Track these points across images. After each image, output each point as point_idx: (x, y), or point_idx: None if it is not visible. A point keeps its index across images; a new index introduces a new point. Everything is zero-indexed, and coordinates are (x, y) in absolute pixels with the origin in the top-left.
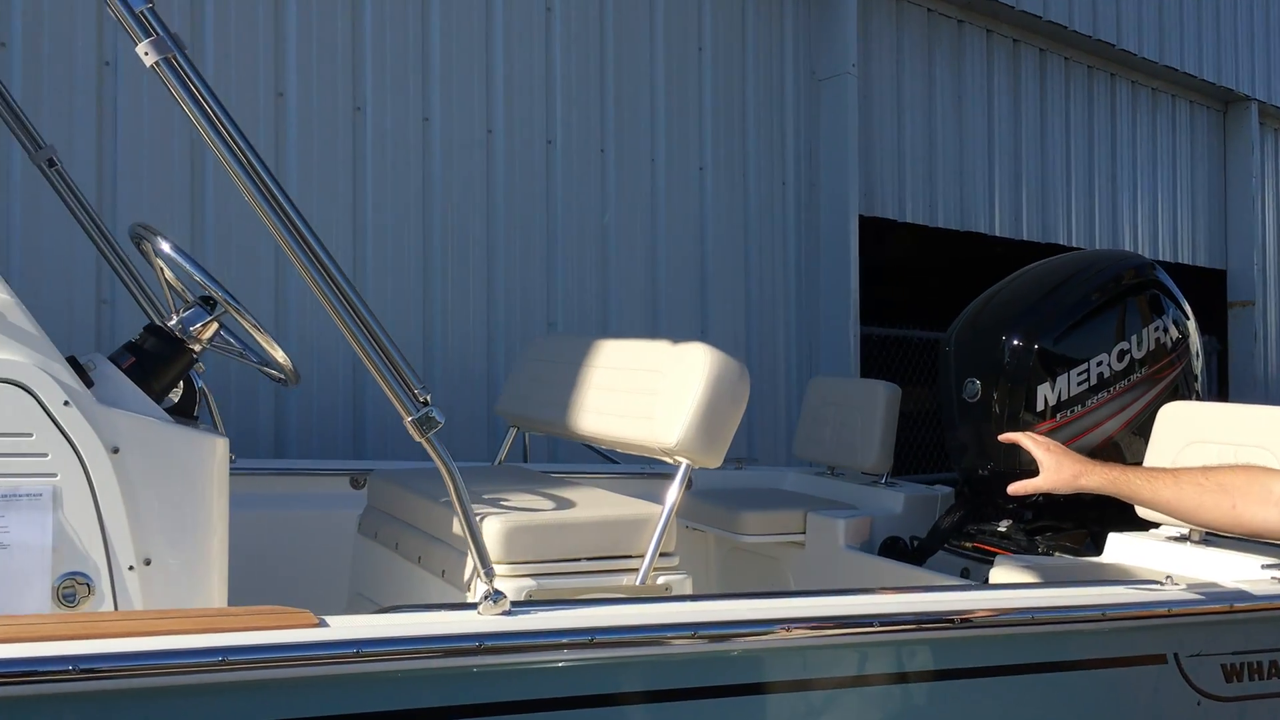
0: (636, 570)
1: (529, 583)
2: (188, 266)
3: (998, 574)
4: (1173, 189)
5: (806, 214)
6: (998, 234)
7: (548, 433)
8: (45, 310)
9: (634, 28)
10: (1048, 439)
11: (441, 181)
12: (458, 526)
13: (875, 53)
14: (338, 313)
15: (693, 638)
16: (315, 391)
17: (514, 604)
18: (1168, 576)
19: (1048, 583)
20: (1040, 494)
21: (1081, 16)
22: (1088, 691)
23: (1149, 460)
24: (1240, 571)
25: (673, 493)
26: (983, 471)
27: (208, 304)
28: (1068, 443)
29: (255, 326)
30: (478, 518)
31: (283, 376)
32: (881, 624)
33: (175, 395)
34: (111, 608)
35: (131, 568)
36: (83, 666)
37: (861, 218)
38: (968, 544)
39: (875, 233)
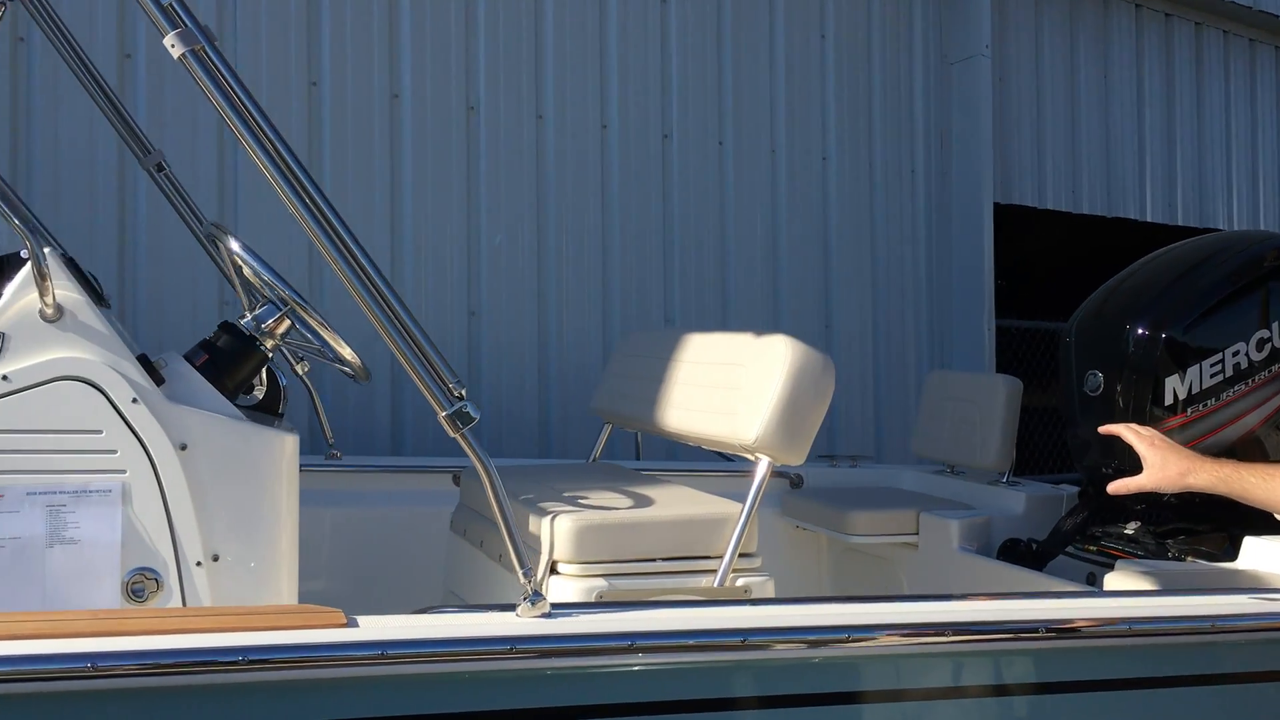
0: (716, 571)
1: (600, 583)
2: (255, 265)
3: (1114, 580)
4: None
5: (937, 203)
6: (1149, 219)
7: (638, 429)
8: (170, 313)
9: (752, 17)
10: (1153, 432)
11: (555, 179)
12: (535, 524)
13: (1012, 33)
14: (368, 304)
15: (742, 645)
16: None
17: (555, 606)
18: None
19: (1160, 590)
20: (1144, 494)
21: None
22: (1204, 710)
23: None
24: None
25: (753, 491)
26: (1106, 470)
27: (281, 302)
28: (1200, 439)
29: (322, 324)
30: (550, 516)
31: (353, 373)
32: (966, 632)
33: (259, 393)
34: (179, 603)
35: (199, 564)
36: (101, 665)
37: (998, 205)
38: (1092, 547)
39: (1013, 221)
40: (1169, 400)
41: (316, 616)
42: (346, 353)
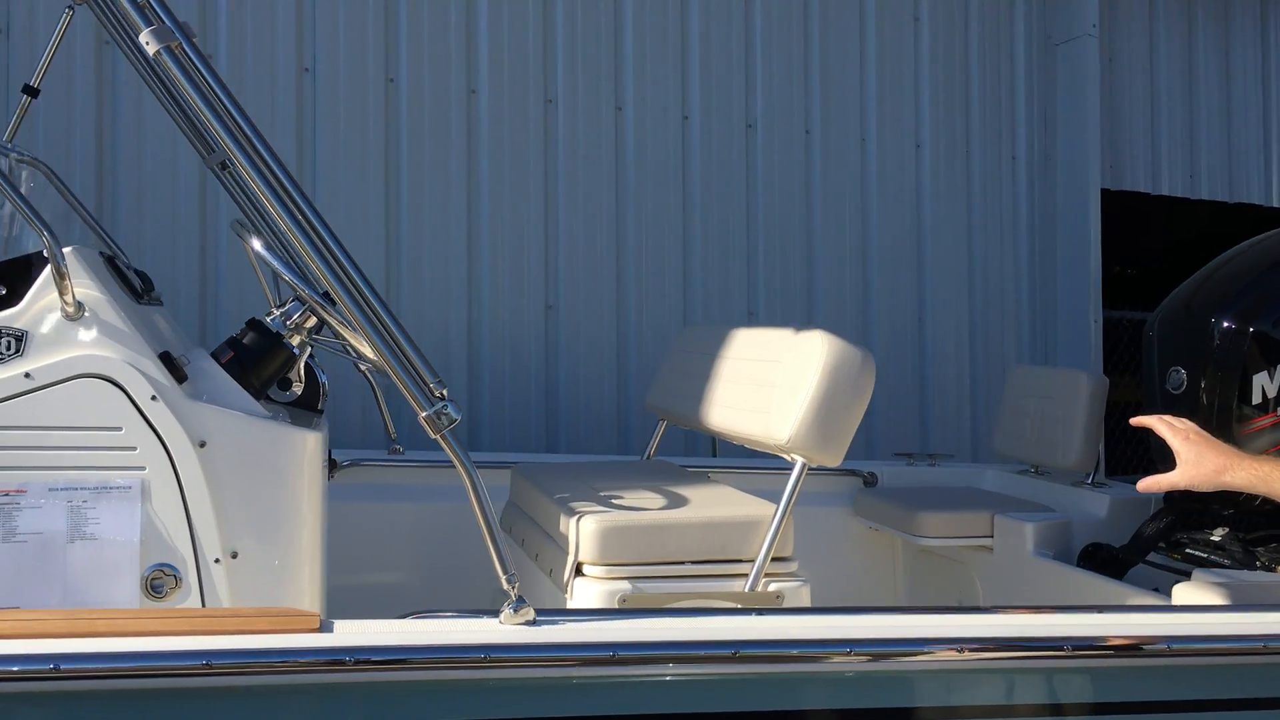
0: (749, 576)
1: (624, 586)
2: (274, 263)
3: (1187, 592)
4: None
5: (1040, 190)
6: (1276, 204)
7: (688, 426)
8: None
9: (841, 1)
10: (1190, 425)
11: (634, 172)
12: (564, 524)
13: (1121, 11)
14: (342, 298)
15: (732, 658)
16: (507, 383)
17: (541, 613)
18: None
19: (1232, 606)
20: (1176, 491)
21: None
22: None
23: None
24: None
25: (786, 492)
26: None
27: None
28: None
29: (341, 323)
30: (577, 516)
31: (378, 371)
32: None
33: (298, 389)
34: (198, 600)
35: (218, 560)
36: (65, 667)
37: (1106, 192)
38: (1176, 555)
39: (1123, 208)
40: (1257, 399)
41: (288, 620)
42: (368, 350)
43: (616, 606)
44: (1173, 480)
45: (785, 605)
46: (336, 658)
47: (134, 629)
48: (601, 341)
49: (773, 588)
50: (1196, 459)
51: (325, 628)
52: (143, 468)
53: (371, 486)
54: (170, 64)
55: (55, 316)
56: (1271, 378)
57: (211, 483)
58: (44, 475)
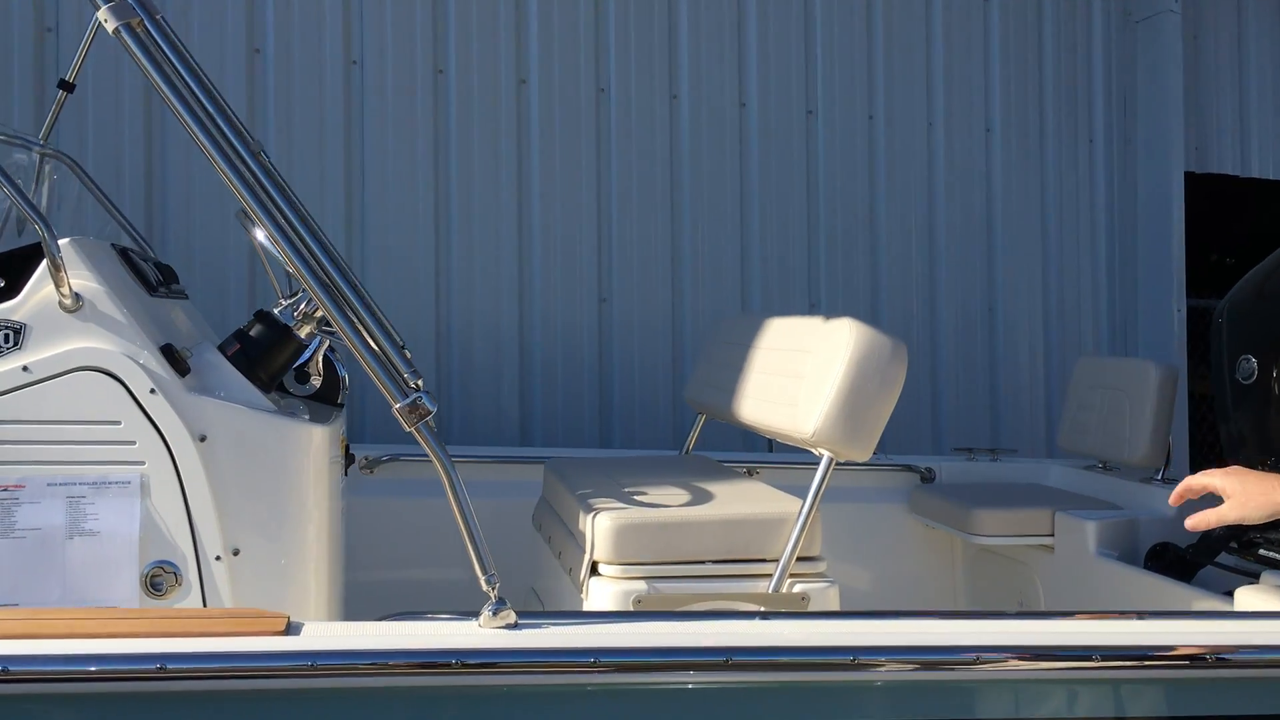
0: (772, 576)
1: (639, 586)
2: (277, 255)
3: (1250, 597)
4: None
5: (1120, 174)
6: None
7: (723, 419)
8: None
9: None
10: (1230, 469)
11: (690, 161)
12: (582, 521)
13: None
14: (310, 283)
15: (726, 665)
16: (560, 378)
17: (522, 616)
18: None
19: None
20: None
21: None
22: None
23: None
24: None
25: (813, 489)
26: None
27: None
28: None
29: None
30: (594, 513)
31: None
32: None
33: (316, 382)
34: (199, 598)
35: (219, 558)
36: (13, 669)
37: (1191, 175)
38: (1249, 555)
39: (1209, 191)
40: None
41: (253, 622)
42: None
43: (631, 608)
44: (1222, 514)
45: (811, 607)
46: (300, 662)
47: (84, 630)
48: (656, 336)
49: (798, 589)
50: (1242, 488)
51: (293, 630)
52: (142, 462)
53: (408, 482)
54: (130, 42)
55: (53, 309)
56: None
57: (212, 478)
58: (43, 470)
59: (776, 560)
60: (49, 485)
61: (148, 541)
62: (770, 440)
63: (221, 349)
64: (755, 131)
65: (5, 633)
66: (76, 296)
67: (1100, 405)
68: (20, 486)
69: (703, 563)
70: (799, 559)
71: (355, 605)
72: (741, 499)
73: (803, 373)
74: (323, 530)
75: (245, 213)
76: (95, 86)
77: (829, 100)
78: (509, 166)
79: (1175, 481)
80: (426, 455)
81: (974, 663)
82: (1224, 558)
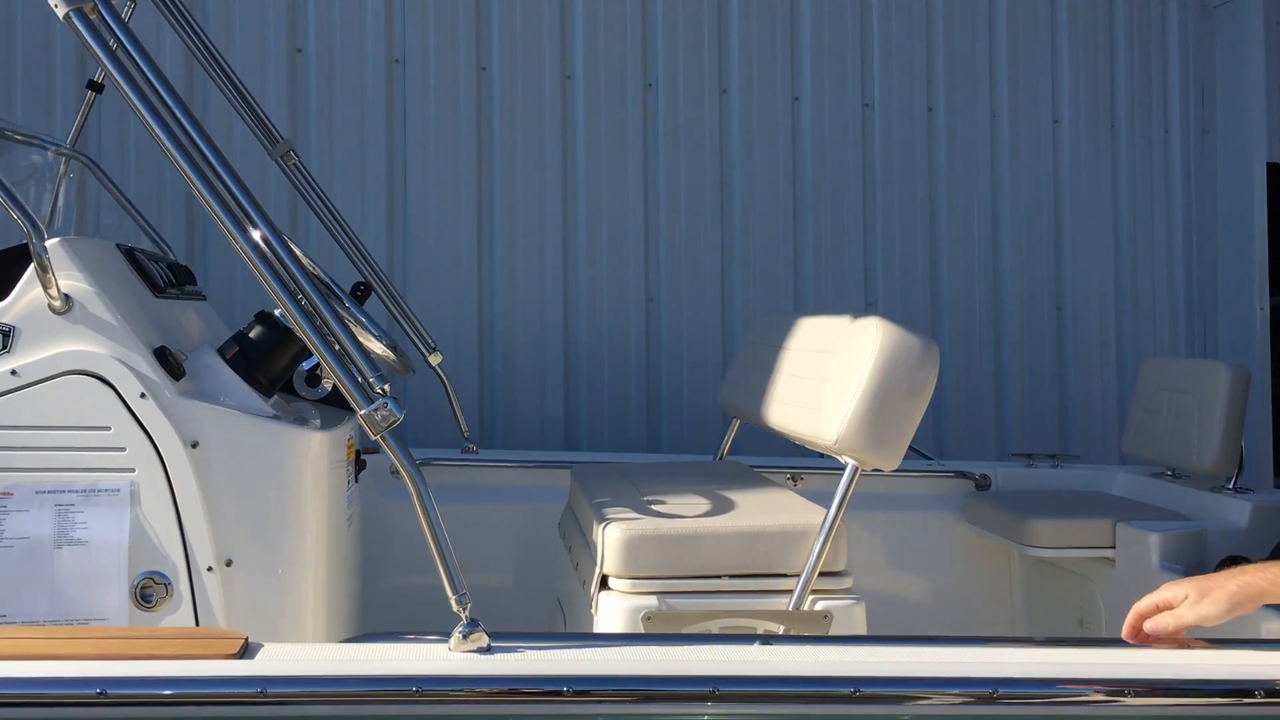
0: (793, 592)
1: (650, 602)
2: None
3: None
4: None
5: (1197, 166)
6: None
7: (753, 424)
8: None
9: None
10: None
11: (740, 156)
12: (595, 532)
13: None
14: (270, 283)
15: (711, 695)
16: (606, 381)
17: (496, 638)
18: None
19: None
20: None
21: None
22: None
23: None
24: None
25: (836, 499)
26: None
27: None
28: None
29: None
30: (605, 524)
31: (398, 368)
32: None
33: (328, 384)
34: (190, 610)
35: (210, 569)
36: None
37: (1274, 166)
38: None
39: None
40: None
41: (205, 645)
42: (376, 348)
43: (640, 625)
44: (1179, 616)
45: (835, 625)
46: (251, 689)
47: (14, 651)
48: (706, 336)
49: (820, 606)
50: (1197, 588)
51: (249, 653)
52: (132, 469)
53: (443, 487)
54: (81, 29)
55: (43, 311)
56: None
57: (204, 486)
58: (32, 477)
59: (798, 575)
60: (37, 493)
61: (137, 552)
62: None
63: (220, 352)
64: (809, 126)
65: None
66: (66, 298)
67: (1167, 409)
68: (8, 494)
69: (719, 577)
70: (822, 574)
71: (385, 613)
72: (765, 509)
73: (827, 375)
74: (321, 539)
75: None
76: None
77: (885, 92)
78: (554, 164)
79: (1248, 491)
80: (460, 460)
81: (992, 697)
82: None
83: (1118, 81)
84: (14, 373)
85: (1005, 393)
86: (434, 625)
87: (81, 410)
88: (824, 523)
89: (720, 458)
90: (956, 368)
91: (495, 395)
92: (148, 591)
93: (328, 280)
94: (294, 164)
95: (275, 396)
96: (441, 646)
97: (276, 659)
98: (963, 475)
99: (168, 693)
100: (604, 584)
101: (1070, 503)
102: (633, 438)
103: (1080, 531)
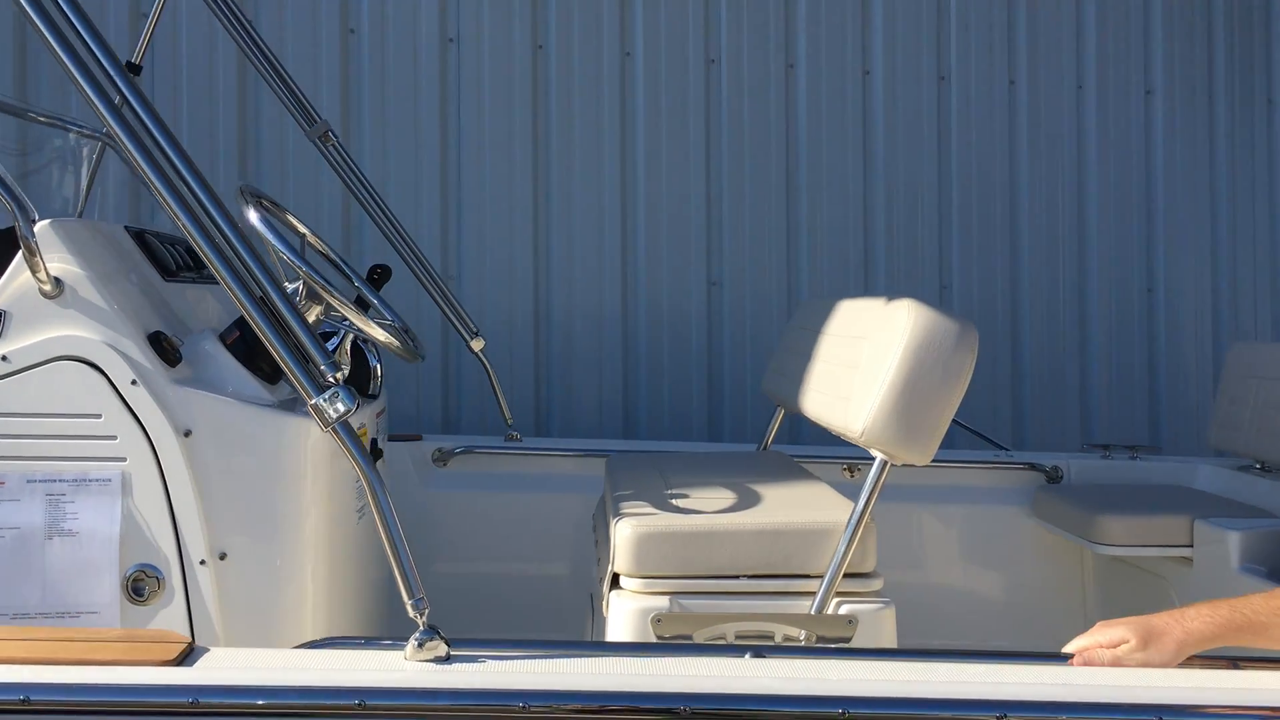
0: (817, 593)
1: (661, 603)
2: (269, 237)
3: None
4: None
5: None
6: None
7: (791, 412)
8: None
9: None
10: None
11: (807, 134)
12: (612, 527)
13: None
14: (215, 264)
15: (683, 713)
16: (666, 367)
17: (456, 645)
18: None
19: None
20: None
21: None
22: None
23: None
24: None
25: (863, 496)
26: None
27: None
28: None
29: (343, 303)
30: (619, 519)
31: (403, 354)
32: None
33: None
34: (183, 604)
35: (203, 562)
36: None
37: None
38: None
39: None
40: None
41: (144, 648)
42: (377, 334)
43: (650, 627)
44: (1117, 657)
45: (860, 630)
46: (182, 698)
47: None
48: (771, 322)
49: (845, 609)
50: (1145, 628)
51: (190, 659)
52: (123, 458)
53: (482, 475)
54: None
55: (34, 295)
56: None
57: (197, 476)
58: (22, 465)
59: (822, 576)
60: (28, 482)
61: (129, 543)
62: None
63: (221, 337)
64: (880, 101)
65: None
66: (56, 282)
67: (1254, 398)
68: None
69: (737, 577)
70: (849, 575)
71: (441, 602)
72: (793, 505)
73: (858, 362)
74: (321, 531)
75: (244, 189)
76: (190, 70)
77: (963, 64)
78: (612, 145)
79: None
80: (502, 448)
81: None
82: None
83: (1216, 49)
84: (5, 358)
85: (1090, 381)
86: (485, 614)
87: (72, 397)
88: (850, 520)
89: (764, 447)
90: (1037, 352)
91: (552, 382)
92: (139, 585)
93: (337, 259)
94: (333, 145)
95: (280, 383)
96: (397, 654)
97: (217, 666)
98: (1033, 467)
99: (98, 700)
100: (615, 582)
101: (1146, 497)
102: (694, 426)
103: (1155, 529)
